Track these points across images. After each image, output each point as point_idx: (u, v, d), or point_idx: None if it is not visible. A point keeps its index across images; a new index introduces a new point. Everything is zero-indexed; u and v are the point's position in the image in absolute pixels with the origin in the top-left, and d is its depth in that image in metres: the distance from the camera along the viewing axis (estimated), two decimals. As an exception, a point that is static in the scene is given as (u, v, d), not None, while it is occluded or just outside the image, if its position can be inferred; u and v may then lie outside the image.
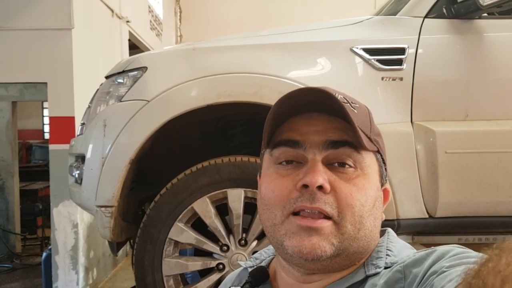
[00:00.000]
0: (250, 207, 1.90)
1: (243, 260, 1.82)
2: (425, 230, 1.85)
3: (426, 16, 1.90)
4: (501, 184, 1.81)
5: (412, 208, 1.81)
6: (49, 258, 3.24)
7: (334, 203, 0.61)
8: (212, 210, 1.87)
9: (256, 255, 0.79)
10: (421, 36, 1.87)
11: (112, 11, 4.04)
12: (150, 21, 5.59)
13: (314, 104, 0.65)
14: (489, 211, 1.82)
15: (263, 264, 0.75)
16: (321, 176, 0.61)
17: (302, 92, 0.65)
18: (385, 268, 0.63)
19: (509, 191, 1.81)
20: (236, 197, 1.86)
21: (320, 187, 0.61)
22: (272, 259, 0.75)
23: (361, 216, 0.62)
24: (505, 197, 1.82)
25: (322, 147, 0.63)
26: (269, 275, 0.71)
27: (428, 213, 1.82)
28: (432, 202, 1.81)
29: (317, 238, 0.60)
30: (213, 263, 1.89)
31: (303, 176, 0.62)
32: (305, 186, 0.61)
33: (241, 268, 0.79)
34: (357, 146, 0.63)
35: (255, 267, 0.75)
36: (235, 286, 0.75)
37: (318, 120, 0.65)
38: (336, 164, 0.64)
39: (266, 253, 0.77)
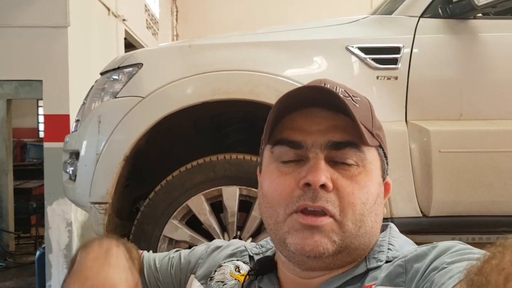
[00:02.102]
0: (245, 205, 1.89)
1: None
2: (419, 229, 1.85)
3: (421, 16, 1.90)
4: (494, 184, 1.82)
5: (406, 207, 1.81)
6: (42, 256, 3.22)
7: (336, 201, 0.61)
8: (206, 208, 1.86)
9: (262, 242, 0.79)
10: (416, 36, 1.87)
11: (108, 9, 4.03)
12: (146, 20, 5.59)
13: (316, 100, 0.64)
14: (482, 210, 1.83)
15: (269, 253, 0.75)
16: (324, 175, 0.61)
17: (304, 90, 0.65)
18: (387, 262, 0.63)
19: (502, 190, 1.82)
20: (231, 195, 1.85)
21: (323, 186, 0.61)
22: None
23: (362, 214, 0.62)
24: (498, 196, 1.82)
25: (325, 148, 0.63)
26: (276, 266, 0.71)
27: (421, 212, 1.82)
28: (426, 201, 1.82)
29: (319, 235, 0.61)
30: (207, 261, 1.88)
31: (305, 174, 0.61)
32: (308, 184, 0.61)
33: (245, 248, 0.79)
34: (359, 144, 0.63)
35: (260, 255, 0.76)
36: (244, 262, 0.76)
37: (320, 117, 0.64)
38: (338, 161, 0.63)
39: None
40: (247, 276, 0.72)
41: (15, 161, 5.62)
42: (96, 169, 1.85)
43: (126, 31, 4.58)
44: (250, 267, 0.73)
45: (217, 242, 0.86)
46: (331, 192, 0.61)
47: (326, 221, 0.61)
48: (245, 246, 0.81)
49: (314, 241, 0.60)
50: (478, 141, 1.83)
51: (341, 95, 0.64)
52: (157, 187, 1.88)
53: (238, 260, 0.77)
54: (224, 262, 0.78)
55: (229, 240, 1.84)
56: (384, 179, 0.70)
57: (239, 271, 0.75)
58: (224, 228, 1.90)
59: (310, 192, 0.61)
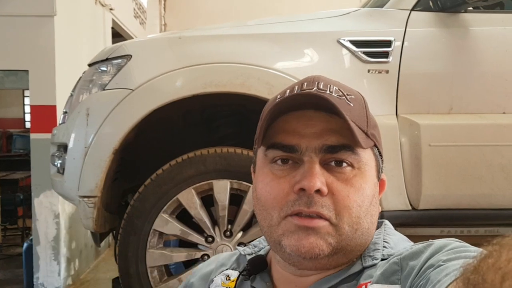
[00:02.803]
0: (236, 198, 1.89)
1: (228, 251, 1.81)
2: (408, 222, 1.87)
3: (412, 9, 1.90)
4: (483, 177, 1.84)
5: (395, 200, 1.82)
6: (30, 248, 3.19)
7: (331, 205, 0.61)
8: (197, 201, 1.85)
9: (254, 242, 0.79)
10: (407, 29, 1.87)
11: (96, -2, 3.96)
12: (134, 9, 5.51)
13: (310, 103, 0.63)
14: (472, 203, 1.85)
15: (261, 252, 0.75)
16: (319, 180, 0.60)
17: (296, 96, 0.64)
18: (382, 260, 0.63)
19: (491, 184, 1.84)
20: (221, 189, 1.85)
21: (318, 191, 0.60)
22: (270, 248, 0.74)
23: (358, 217, 0.62)
24: (487, 190, 1.84)
25: (319, 151, 0.62)
26: (268, 265, 0.71)
27: (411, 205, 1.84)
28: (416, 194, 1.83)
29: (314, 237, 0.60)
30: (198, 254, 1.88)
31: (300, 179, 0.61)
32: (303, 189, 0.60)
33: (238, 252, 0.79)
34: (354, 147, 0.63)
35: (253, 255, 0.75)
36: (233, 269, 0.76)
37: (314, 120, 0.63)
38: (333, 163, 0.63)
39: (265, 241, 0.76)
40: (238, 278, 0.71)
41: (1, 151, 5.54)
42: (85, 163, 1.82)
43: (113, 21, 4.52)
44: (239, 271, 0.73)
45: (201, 264, 0.85)
46: (326, 196, 0.61)
47: (321, 223, 0.61)
48: (237, 248, 0.81)
49: (309, 243, 0.60)
50: (467, 135, 1.84)
51: (335, 95, 0.63)
52: (147, 181, 1.86)
53: (227, 269, 0.77)
54: (215, 276, 0.77)
55: (220, 233, 1.85)
56: (379, 178, 0.69)
57: (229, 279, 0.74)
58: (214, 222, 1.89)
59: (305, 197, 0.61)
